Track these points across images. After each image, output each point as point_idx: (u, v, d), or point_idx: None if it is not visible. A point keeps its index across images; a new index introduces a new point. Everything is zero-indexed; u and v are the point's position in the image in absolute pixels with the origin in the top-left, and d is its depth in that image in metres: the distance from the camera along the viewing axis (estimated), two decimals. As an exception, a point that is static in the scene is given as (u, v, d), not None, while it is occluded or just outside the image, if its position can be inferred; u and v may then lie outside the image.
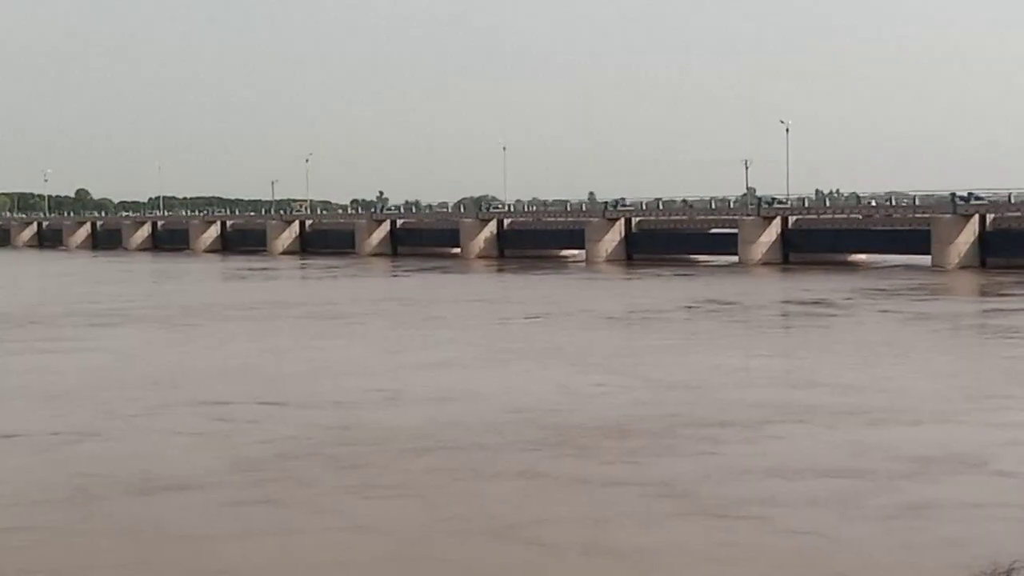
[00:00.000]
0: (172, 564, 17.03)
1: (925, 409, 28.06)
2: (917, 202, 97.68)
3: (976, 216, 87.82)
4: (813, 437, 24.86)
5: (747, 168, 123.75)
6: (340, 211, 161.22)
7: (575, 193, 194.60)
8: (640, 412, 27.69)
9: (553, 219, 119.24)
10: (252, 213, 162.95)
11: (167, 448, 24.65)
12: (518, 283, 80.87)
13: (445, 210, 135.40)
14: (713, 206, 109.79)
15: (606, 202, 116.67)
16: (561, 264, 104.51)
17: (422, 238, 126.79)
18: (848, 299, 59.99)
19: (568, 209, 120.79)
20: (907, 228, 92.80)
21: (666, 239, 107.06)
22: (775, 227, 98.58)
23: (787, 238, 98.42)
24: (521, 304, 61.07)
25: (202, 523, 18.96)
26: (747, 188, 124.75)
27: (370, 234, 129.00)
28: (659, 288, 72.57)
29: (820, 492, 19.98)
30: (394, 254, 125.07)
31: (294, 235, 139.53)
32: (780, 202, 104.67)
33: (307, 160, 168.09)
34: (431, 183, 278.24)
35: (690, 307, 57.65)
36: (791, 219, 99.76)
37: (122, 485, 21.20)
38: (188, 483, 21.32)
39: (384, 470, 22.21)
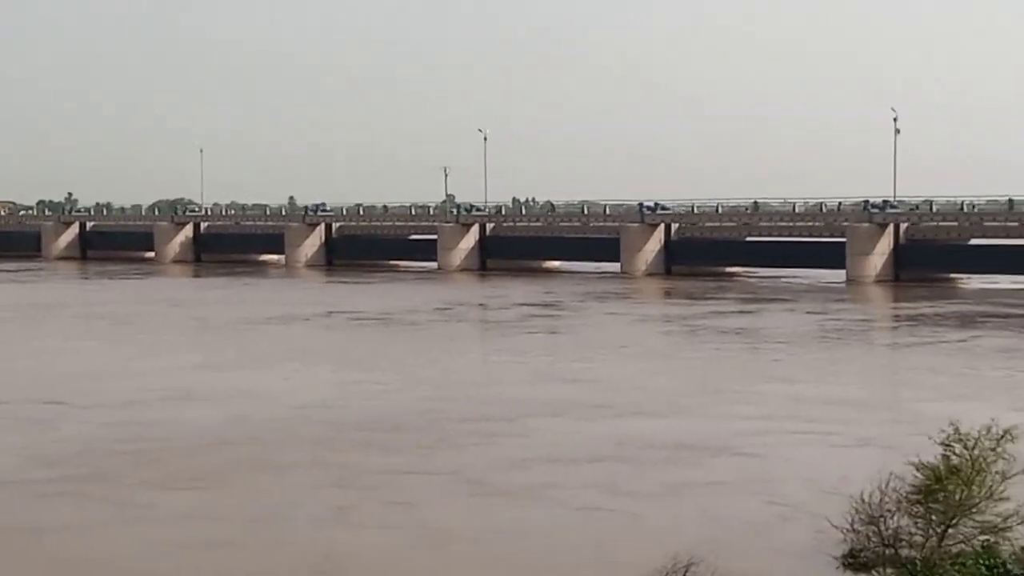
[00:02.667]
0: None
1: (671, 402, 31.18)
2: (608, 211, 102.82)
3: (662, 225, 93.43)
4: (578, 429, 27.38)
5: (446, 175, 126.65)
6: (25, 213, 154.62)
7: (276, 198, 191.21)
8: (420, 407, 29.59)
9: (252, 224, 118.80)
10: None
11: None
12: (220, 288, 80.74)
13: (139, 213, 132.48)
14: (413, 212, 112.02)
15: (306, 207, 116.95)
16: (261, 269, 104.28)
17: (115, 241, 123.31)
18: (581, 302, 63.77)
19: (268, 214, 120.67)
20: (598, 236, 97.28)
21: (367, 245, 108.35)
22: (473, 234, 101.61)
23: (485, 245, 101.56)
24: (244, 306, 61.56)
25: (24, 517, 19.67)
26: (446, 195, 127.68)
27: (58, 237, 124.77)
28: (383, 293, 73.96)
29: (592, 476, 22.43)
30: (83, 257, 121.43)
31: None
32: (479, 209, 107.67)
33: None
34: (124, 185, 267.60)
35: (440, 309, 59.84)
36: (488, 226, 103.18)
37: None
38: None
39: (182, 465, 23.22)
